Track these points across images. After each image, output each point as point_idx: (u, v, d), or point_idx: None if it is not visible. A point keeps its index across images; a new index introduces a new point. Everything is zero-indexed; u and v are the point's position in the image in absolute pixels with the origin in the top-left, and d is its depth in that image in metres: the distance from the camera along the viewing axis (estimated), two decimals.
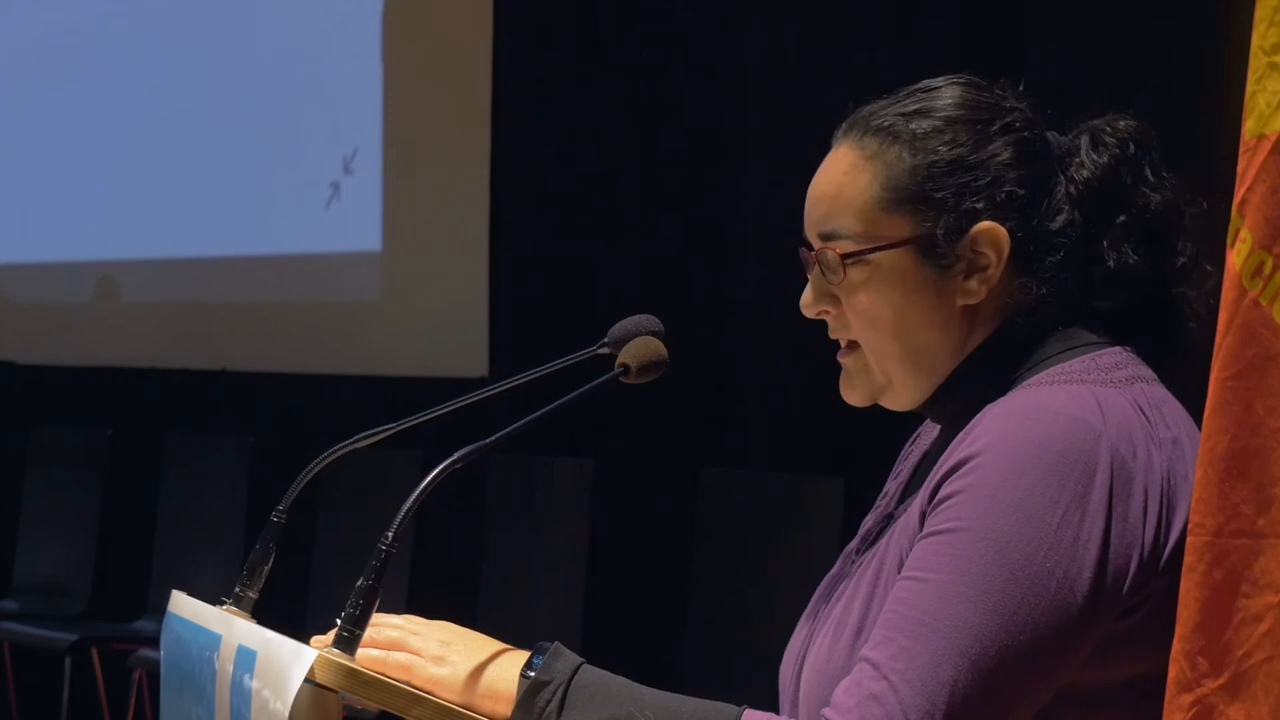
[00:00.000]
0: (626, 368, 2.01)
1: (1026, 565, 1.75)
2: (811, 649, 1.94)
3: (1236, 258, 1.68)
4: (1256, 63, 1.69)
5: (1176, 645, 1.71)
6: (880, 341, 1.93)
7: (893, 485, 2.09)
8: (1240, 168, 1.69)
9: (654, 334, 2.05)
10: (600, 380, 1.99)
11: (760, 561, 4.70)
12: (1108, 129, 1.96)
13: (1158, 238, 1.93)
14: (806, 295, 1.97)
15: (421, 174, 6.03)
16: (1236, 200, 1.69)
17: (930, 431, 2.07)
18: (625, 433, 5.21)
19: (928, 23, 4.76)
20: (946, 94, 1.94)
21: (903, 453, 2.12)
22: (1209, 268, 1.93)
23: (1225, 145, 1.82)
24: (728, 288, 5.24)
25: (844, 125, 1.97)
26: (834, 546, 4.39)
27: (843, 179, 1.93)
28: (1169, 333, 1.95)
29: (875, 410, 2.10)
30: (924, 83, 1.97)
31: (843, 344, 1.98)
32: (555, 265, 5.68)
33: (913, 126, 1.92)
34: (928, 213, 1.90)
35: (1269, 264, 1.66)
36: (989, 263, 1.90)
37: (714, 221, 5.30)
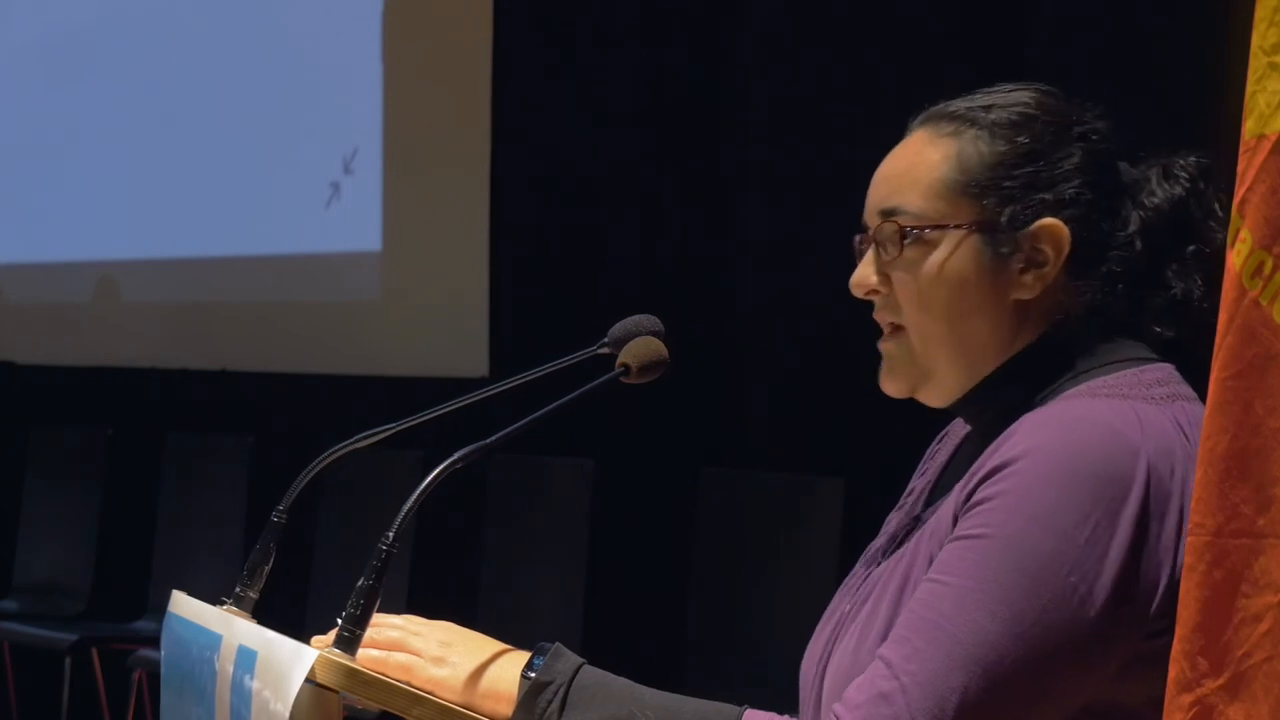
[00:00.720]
0: (627, 368, 2.01)
1: (1050, 578, 1.75)
2: (836, 651, 1.93)
3: (1236, 258, 1.68)
4: (1256, 63, 1.69)
5: (1176, 645, 1.71)
6: (929, 324, 1.92)
7: (919, 483, 2.08)
8: (1240, 168, 1.69)
9: (654, 334, 2.05)
10: (601, 380, 1.99)
11: (760, 561, 4.70)
12: (1180, 163, 1.97)
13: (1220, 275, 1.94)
14: (859, 274, 1.96)
15: (421, 174, 6.03)
16: (1236, 200, 1.69)
17: (959, 430, 2.06)
18: (625, 433, 5.21)
19: (928, 22, 4.76)
20: (1024, 95, 1.95)
21: (929, 450, 2.11)
22: None
23: (1225, 145, 1.82)
24: (728, 287, 5.24)
25: (919, 116, 1.98)
26: (834, 546, 4.42)
27: (915, 158, 1.94)
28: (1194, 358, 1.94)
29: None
30: (1000, 85, 1.98)
31: (885, 331, 1.97)
32: (555, 265, 5.68)
33: (991, 116, 1.93)
34: (994, 199, 1.90)
35: (1269, 264, 1.66)
36: (1047, 259, 1.90)
37: (715, 221, 5.30)
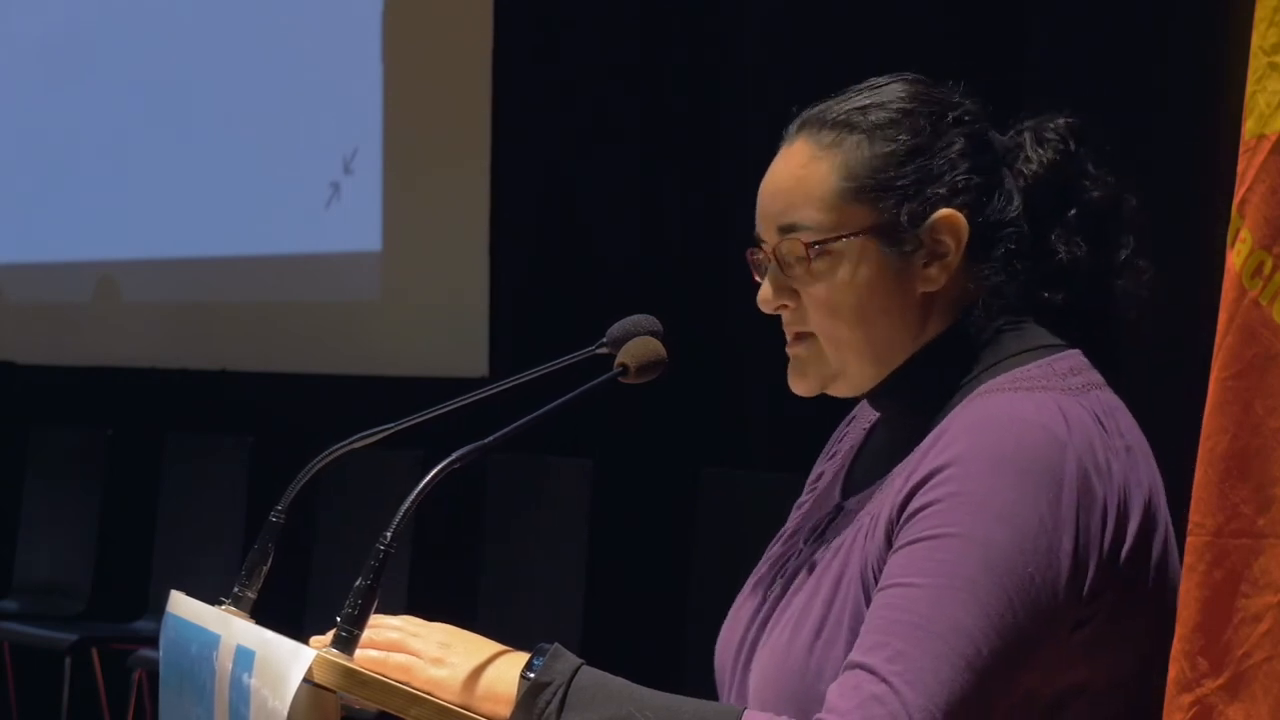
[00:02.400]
0: (625, 368, 2.02)
1: (1012, 571, 1.77)
2: (765, 641, 1.95)
3: (1236, 258, 1.69)
4: (1256, 63, 1.69)
5: (1176, 645, 1.72)
6: (840, 330, 1.94)
7: (828, 467, 2.10)
8: (1240, 168, 1.69)
9: (653, 334, 2.05)
10: (599, 380, 2.00)
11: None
12: (1050, 126, 1.99)
13: (1100, 231, 1.96)
14: (764, 291, 1.98)
15: (421, 174, 6.03)
16: (1236, 200, 1.69)
17: (867, 414, 2.08)
18: (625, 433, 5.21)
19: (928, 22, 4.76)
20: (896, 89, 1.97)
21: (836, 433, 2.14)
22: (1141, 262, 1.96)
23: (1225, 145, 1.82)
24: (727, 287, 5.24)
25: (793, 125, 2.00)
26: None
27: (801, 171, 1.95)
28: (1111, 325, 1.98)
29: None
30: (870, 80, 2.00)
31: (790, 337, 1.98)
32: (555, 265, 5.68)
33: (870, 118, 1.94)
34: (889, 200, 1.92)
35: (1269, 264, 1.66)
36: (948, 250, 1.92)
37: (714, 221, 5.30)
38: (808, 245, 1.93)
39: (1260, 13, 1.70)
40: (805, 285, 1.94)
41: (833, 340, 1.94)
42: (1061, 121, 1.99)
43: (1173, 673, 1.72)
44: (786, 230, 1.94)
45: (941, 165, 1.92)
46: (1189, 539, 1.72)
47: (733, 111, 5.26)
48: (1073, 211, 1.95)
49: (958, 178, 1.92)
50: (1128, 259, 1.97)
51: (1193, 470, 1.74)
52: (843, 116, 1.95)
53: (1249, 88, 1.70)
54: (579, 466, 5.13)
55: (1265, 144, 1.67)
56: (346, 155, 6.20)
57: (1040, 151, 1.97)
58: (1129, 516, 1.83)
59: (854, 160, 1.92)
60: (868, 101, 1.95)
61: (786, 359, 2.00)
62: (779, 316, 2.00)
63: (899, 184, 1.92)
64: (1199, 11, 4.02)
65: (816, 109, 1.98)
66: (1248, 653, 1.67)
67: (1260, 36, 1.70)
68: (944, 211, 1.91)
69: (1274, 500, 1.66)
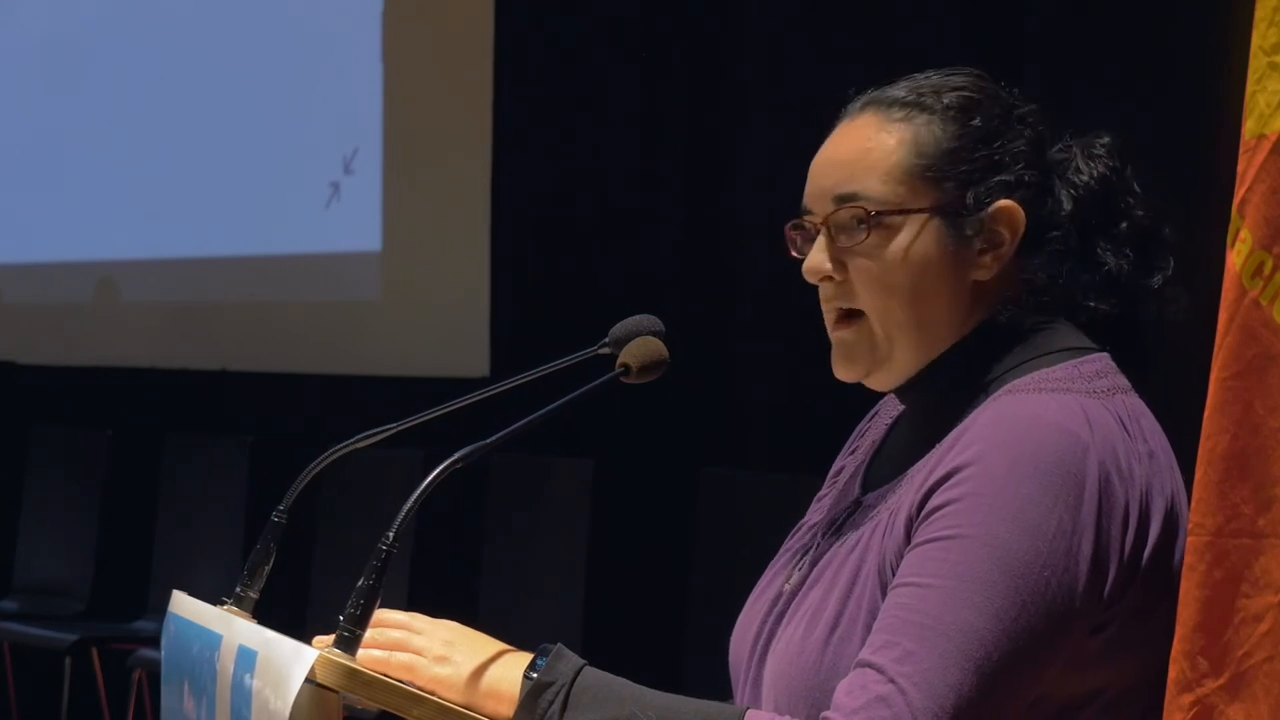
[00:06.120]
0: (627, 368, 2.02)
1: (1027, 574, 1.77)
2: (781, 635, 1.94)
3: (1236, 258, 1.69)
4: (1256, 63, 1.70)
5: (1176, 645, 1.72)
6: (892, 308, 1.92)
7: (849, 462, 2.10)
8: (1240, 168, 1.69)
9: (654, 334, 2.05)
10: (601, 380, 2.00)
11: (760, 561, 4.68)
12: (1096, 143, 1.99)
13: (1143, 250, 1.96)
14: (812, 260, 1.96)
15: (421, 174, 6.03)
16: (1236, 200, 1.69)
17: (889, 409, 2.08)
18: (625, 433, 5.21)
19: (928, 22, 4.76)
20: (963, 79, 1.97)
21: (859, 428, 2.13)
22: (1178, 289, 1.96)
23: (1225, 145, 1.82)
24: (728, 288, 5.24)
25: (858, 101, 1.99)
26: None
27: (867, 144, 1.94)
28: (1142, 343, 1.97)
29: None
30: (932, 71, 1.99)
31: (833, 318, 1.97)
32: (556, 265, 5.68)
33: (943, 100, 1.94)
34: (955, 182, 1.92)
35: (1269, 264, 1.67)
36: (1004, 240, 1.92)
37: (715, 221, 5.30)
38: (868, 214, 1.92)
39: (1260, 13, 1.70)
40: (858, 258, 1.93)
41: (884, 318, 1.93)
42: (1107, 139, 1.99)
43: (1173, 673, 1.72)
44: (845, 199, 1.93)
45: (1006, 157, 1.93)
46: (1189, 539, 1.72)
47: (733, 111, 5.26)
48: (1124, 224, 1.95)
49: (1020, 172, 1.93)
50: (1166, 280, 1.96)
51: (1193, 470, 1.74)
52: (913, 97, 1.95)
53: (1249, 88, 1.70)
54: (579, 466, 5.13)
55: (1265, 144, 1.68)
56: (346, 155, 6.20)
57: (1091, 165, 1.97)
58: (1150, 521, 1.82)
59: (924, 138, 1.92)
60: (936, 85, 1.95)
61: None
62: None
63: (965, 168, 1.91)
64: (1199, 11, 4.02)
65: (882, 89, 1.98)
66: (1248, 653, 1.67)
67: (1260, 36, 1.70)
68: (1004, 202, 1.91)
69: (1274, 500, 1.66)
